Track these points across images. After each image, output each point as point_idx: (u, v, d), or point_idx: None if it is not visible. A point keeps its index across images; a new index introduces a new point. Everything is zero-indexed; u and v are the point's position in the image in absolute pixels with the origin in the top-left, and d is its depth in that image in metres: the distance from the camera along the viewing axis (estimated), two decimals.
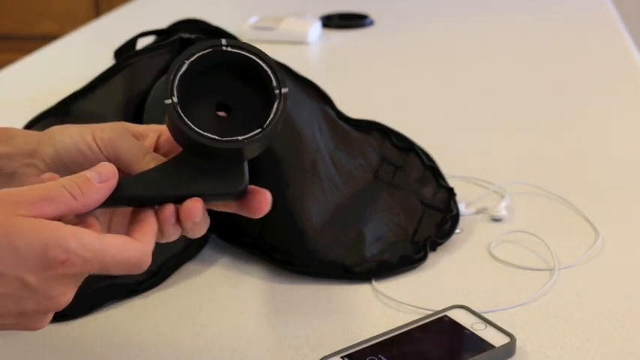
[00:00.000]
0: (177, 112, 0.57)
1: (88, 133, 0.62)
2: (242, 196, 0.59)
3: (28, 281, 0.51)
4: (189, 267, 0.85)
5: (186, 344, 0.73)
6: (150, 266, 0.81)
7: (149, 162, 0.61)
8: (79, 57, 1.60)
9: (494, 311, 0.75)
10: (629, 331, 0.73)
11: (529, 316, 0.75)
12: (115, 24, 1.85)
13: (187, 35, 1.02)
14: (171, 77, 0.57)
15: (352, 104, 1.05)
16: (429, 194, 0.93)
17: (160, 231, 0.59)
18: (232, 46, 0.58)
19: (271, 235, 0.85)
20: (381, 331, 0.71)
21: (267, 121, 0.58)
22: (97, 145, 0.62)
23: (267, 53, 0.60)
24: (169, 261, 0.83)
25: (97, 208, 0.56)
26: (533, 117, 1.25)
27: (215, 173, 0.58)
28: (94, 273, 0.54)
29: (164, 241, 0.60)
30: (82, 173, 0.55)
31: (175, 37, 1.01)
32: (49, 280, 0.52)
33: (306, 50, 1.62)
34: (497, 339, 0.70)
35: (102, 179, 0.56)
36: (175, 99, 0.56)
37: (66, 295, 0.54)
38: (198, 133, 0.57)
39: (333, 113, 0.98)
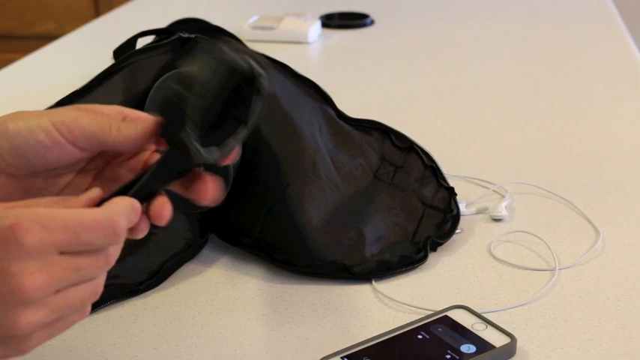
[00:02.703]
0: (194, 145, 0.56)
1: (46, 121, 0.57)
2: (234, 164, 0.59)
3: None
4: (189, 267, 0.85)
5: (186, 344, 0.73)
6: (150, 266, 0.82)
7: (117, 130, 0.57)
8: (79, 57, 1.60)
9: (495, 311, 0.75)
10: (630, 331, 0.72)
11: (529, 316, 0.75)
12: (115, 24, 1.85)
13: (187, 35, 1.02)
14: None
15: (352, 104, 1.05)
16: (429, 194, 0.92)
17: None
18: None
19: (271, 235, 0.85)
20: (381, 331, 0.71)
21: (245, 121, 0.58)
22: (59, 131, 0.56)
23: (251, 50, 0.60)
24: (169, 261, 0.83)
25: None
26: (534, 117, 1.24)
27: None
28: (67, 246, 0.49)
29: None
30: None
31: (175, 36, 1.00)
32: (1, 253, 0.47)
33: (306, 50, 1.62)
34: (497, 339, 0.69)
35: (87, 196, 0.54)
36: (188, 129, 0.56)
37: (30, 274, 0.48)
38: (206, 157, 0.56)
39: (333, 113, 0.98)
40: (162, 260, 0.83)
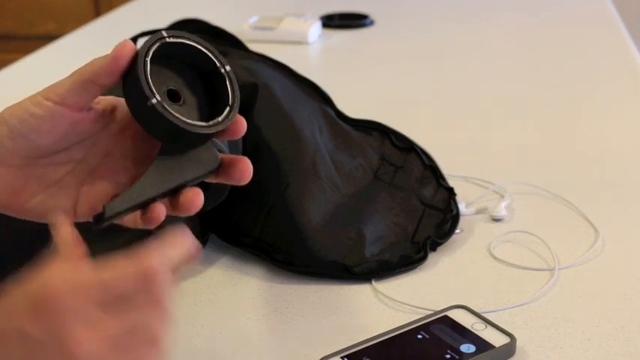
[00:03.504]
0: (165, 108, 0.57)
1: (36, 95, 0.59)
2: (219, 169, 0.62)
3: (26, 330, 0.48)
4: (189, 267, 0.85)
5: (186, 344, 0.73)
6: None
7: (90, 65, 0.59)
8: (79, 57, 1.60)
9: (495, 311, 0.75)
10: (629, 331, 0.73)
11: (529, 316, 0.75)
12: (115, 24, 1.85)
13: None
14: (145, 79, 0.57)
15: (352, 104, 1.05)
16: (429, 194, 0.93)
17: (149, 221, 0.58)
18: (173, 36, 0.60)
19: (271, 235, 0.85)
20: (381, 331, 0.71)
21: (230, 98, 0.61)
22: (46, 98, 0.58)
23: (205, 40, 0.61)
24: None
25: (108, 222, 0.57)
26: (533, 117, 1.25)
27: (193, 157, 0.60)
28: (105, 303, 0.49)
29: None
30: None
31: None
32: (44, 322, 0.48)
33: (306, 50, 1.62)
34: (497, 339, 0.70)
35: None
36: (159, 97, 0.57)
37: (76, 337, 0.47)
38: (191, 124, 0.58)
39: (333, 113, 0.98)
40: None
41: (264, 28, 1.65)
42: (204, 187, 0.63)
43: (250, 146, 0.87)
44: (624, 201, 0.97)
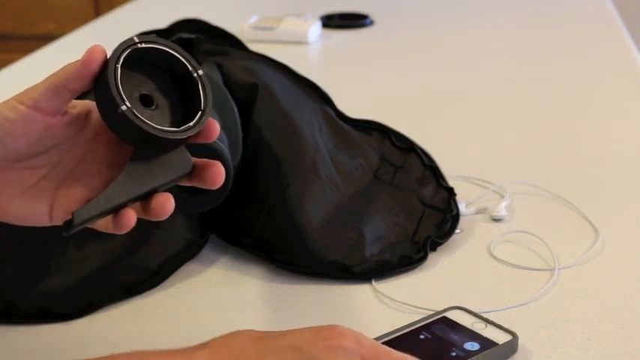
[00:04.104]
0: (135, 115, 0.57)
1: (11, 100, 0.60)
2: (192, 173, 0.62)
3: (301, 347, 0.56)
4: (189, 267, 0.85)
5: (187, 344, 0.73)
6: (150, 266, 0.82)
7: (61, 71, 0.60)
8: (79, 57, 1.60)
9: (495, 311, 0.75)
10: (629, 330, 0.73)
11: (529, 316, 0.75)
12: (115, 24, 1.85)
13: (187, 35, 1.02)
14: (114, 85, 0.58)
15: (352, 104, 1.05)
16: (429, 194, 0.93)
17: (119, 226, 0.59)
18: (145, 42, 0.60)
19: (271, 235, 0.85)
20: (382, 332, 0.71)
21: (202, 103, 0.61)
22: (20, 102, 0.59)
23: (175, 45, 0.62)
24: (169, 261, 0.83)
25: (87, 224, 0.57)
26: (533, 117, 1.25)
27: (164, 162, 0.61)
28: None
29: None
30: None
31: (175, 37, 1.01)
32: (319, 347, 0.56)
33: (306, 50, 1.62)
34: (499, 337, 0.70)
35: None
36: (129, 103, 0.57)
37: None
38: (161, 129, 0.59)
39: (333, 113, 0.98)
40: (162, 260, 0.83)
41: (264, 28, 1.65)
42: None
43: (250, 146, 0.87)
44: (624, 201, 0.97)
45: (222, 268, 0.85)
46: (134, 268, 0.81)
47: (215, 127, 0.61)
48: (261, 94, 0.91)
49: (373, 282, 0.81)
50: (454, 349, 0.69)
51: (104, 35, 1.74)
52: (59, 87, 0.59)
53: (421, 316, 0.74)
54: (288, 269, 0.83)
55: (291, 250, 0.83)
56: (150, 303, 0.79)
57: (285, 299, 0.79)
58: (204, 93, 0.61)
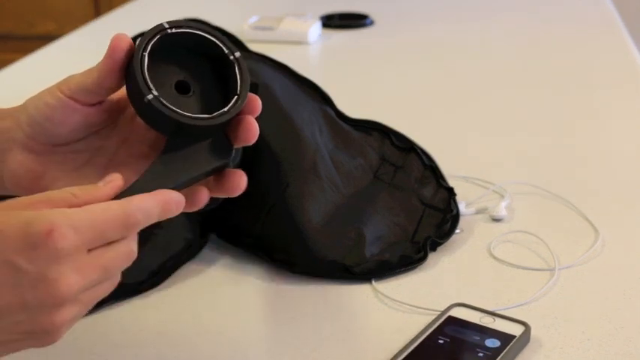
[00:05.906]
0: (163, 104, 0.57)
1: (53, 87, 0.61)
2: (236, 159, 0.61)
3: (18, 264, 0.49)
4: (189, 267, 0.85)
5: (187, 344, 0.73)
6: (150, 266, 0.82)
7: (95, 68, 0.60)
8: (79, 57, 1.60)
9: (495, 311, 0.75)
10: (629, 331, 0.73)
11: (529, 316, 0.75)
12: (115, 24, 1.85)
13: None
14: (140, 73, 0.57)
15: (352, 104, 1.05)
16: (429, 194, 0.93)
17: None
18: (176, 27, 0.59)
19: (271, 235, 0.85)
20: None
21: (239, 87, 0.59)
22: (60, 90, 0.60)
23: (210, 27, 0.60)
24: (169, 261, 0.83)
25: None
26: (534, 117, 1.25)
27: (200, 149, 0.59)
28: (93, 244, 0.52)
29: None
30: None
31: None
32: (40, 259, 0.49)
33: (306, 50, 1.62)
34: (513, 329, 0.69)
35: (106, 181, 0.56)
36: (155, 92, 0.57)
37: (67, 278, 0.50)
38: (191, 117, 0.57)
39: (333, 113, 0.98)
40: (162, 260, 0.83)
41: (264, 28, 1.65)
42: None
43: (250, 146, 0.87)
44: (624, 201, 0.97)
45: (222, 268, 0.85)
46: (134, 268, 0.80)
47: (257, 104, 0.61)
48: (261, 94, 0.90)
49: (373, 282, 0.81)
50: (478, 349, 0.68)
51: (104, 35, 1.74)
52: (93, 86, 0.59)
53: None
54: (288, 269, 0.83)
55: (291, 250, 0.83)
56: (150, 303, 0.79)
57: (285, 299, 0.79)
58: (242, 76, 0.59)
